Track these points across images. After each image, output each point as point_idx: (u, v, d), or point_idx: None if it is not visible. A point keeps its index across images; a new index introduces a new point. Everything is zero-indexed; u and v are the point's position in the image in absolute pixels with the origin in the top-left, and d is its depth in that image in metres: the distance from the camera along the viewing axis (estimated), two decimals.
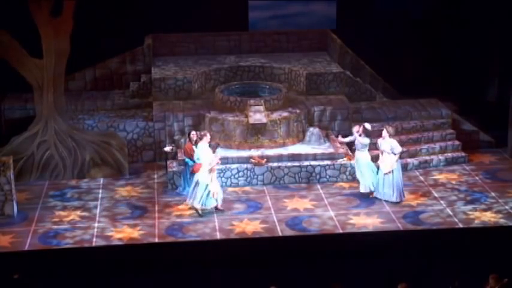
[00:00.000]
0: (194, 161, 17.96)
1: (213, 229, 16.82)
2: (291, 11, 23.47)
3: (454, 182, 19.13)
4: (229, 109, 20.18)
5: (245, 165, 18.70)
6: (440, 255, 15.71)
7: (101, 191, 18.76)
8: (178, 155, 19.15)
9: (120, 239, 16.44)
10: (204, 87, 21.80)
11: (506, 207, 17.72)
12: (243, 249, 16.21)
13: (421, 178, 19.34)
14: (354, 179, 18.83)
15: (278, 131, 19.60)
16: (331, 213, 17.47)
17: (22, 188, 18.53)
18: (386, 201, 17.85)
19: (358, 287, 14.74)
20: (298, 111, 20.20)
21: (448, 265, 15.30)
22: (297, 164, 18.99)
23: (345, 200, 18.13)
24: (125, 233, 16.69)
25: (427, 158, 20.10)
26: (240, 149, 19.39)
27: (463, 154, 20.35)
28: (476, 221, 17.09)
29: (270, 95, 20.71)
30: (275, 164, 18.96)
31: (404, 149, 20.04)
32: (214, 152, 17.38)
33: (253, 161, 18.65)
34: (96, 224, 17.09)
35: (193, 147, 18.14)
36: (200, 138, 17.70)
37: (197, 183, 17.27)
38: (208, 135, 17.71)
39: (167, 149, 19.36)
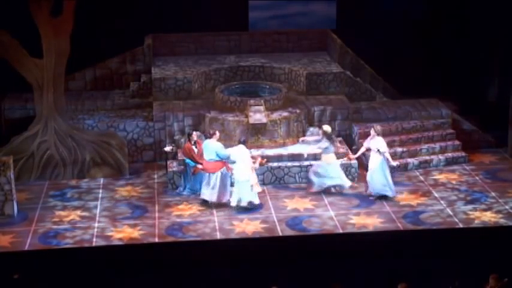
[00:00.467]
0: (195, 162, 18.03)
1: (213, 229, 16.82)
2: (291, 11, 23.47)
3: (454, 182, 19.13)
4: (229, 109, 20.18)
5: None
6: (440, 255, 15.71)
7: (101, 191, 18.76)
8: (178, 155, 19.15)
9: (120, 239, 16.44)
10: (204, 87, 21.81)
11: (506, 207, 17.72)
12: (243, 249, 16.21)
13: (421, 178, 19.34)
14: (354, 179, 18.85)
15: (278, 131, 19.60)
16: (331, 213, 17.48)
17: (22, 188, 18.52)
18: (382, 196, 17.94)
19: (358, 287, 14.75)
20: (298, 111, 20.20)
21: (448, 265, 15.30)
22: (297, 164, 19.00)
23: (345, 200, 18.13)
24: (125, 233, 16.69)
25: (427, 158, 20.11)
26: None
27: (463, 154, 20.35)
28: (476, 221, 17.09)
29: (270, 95, 20.71)
30: (275, 164, 18.97)
31: (405, 149, 20.11)
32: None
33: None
34: (96, 224, 17.09)
35: (193, 147, 18.16)
36: (210, 136, 17.84)
37: (236, 182, 17.43)
38: (217, 133, 17.93)
39: (167, 149, 19.37)
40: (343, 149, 19.33)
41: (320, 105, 20.64)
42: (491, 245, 15.99)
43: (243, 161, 17.51)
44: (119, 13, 22.04)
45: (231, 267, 15.44)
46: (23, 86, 19.65)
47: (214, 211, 17.59)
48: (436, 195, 18.36)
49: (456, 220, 17.13)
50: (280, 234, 16.63)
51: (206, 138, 18.11)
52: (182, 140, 19.45)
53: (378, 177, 17.90)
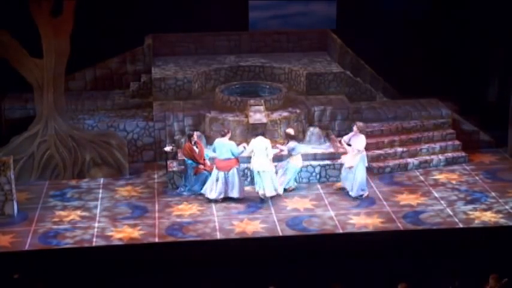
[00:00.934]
0: (197, 162, 18.06)
1: (213, 229, 16.82)
2: (291, 11, 23.46)
3: (454, 182, 19.13)
4: (229, 109, 20.18)
5: (245, 165, 18.68)
6: (440, 255, 15.72)
7: (101, 191, 18.76)
8: (178, 155, 19.16)
9: (120, 239, 16.44)
10: (204, 87, 21.81)
11: (506, 207, 17.72)
12: (243, 249, 16.21)
13: (421, 178, 19.34)
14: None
15: (278, 131, 19.60)
16: (331, 213, 17.48)
17: (22, 188, 18.52)
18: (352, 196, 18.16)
19: (358, 287, 14.76)
20: (298, 111, 20.20)
21: (448, 265, 15.30)
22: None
23: (345, 200, 18.13)
24: (125, 233, 16.69)
25: (427, 157, 20.10)
26: None
27: (463, 154, 20.35)
28: (476, 221, 17.09)
29: (270, 95, 20.71)
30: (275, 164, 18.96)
31: (405, 149, 20.10)
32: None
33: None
34: (96, 224, 17.09)
35: (194, 147, 18.17)
36: (223, 135, 18.00)
37: (257, 173, 17.81)
38: (230, 132, 18.19)
39: (167, 149, 19.37)
40: (343, 149, 19.30)
41: (320, 105, 20.64)
42: (491, 245, 15.99)
43: (263, 152, 17.79)
44: (119, 13, 22.04)
45: (231, 267, 15.44)
46: (23, 86, 19.65)
47: (214, 211, 17.60)
48: (436, 195, 18.36)
49: (456, 220, 17.13)
50: (280, 234, 16.63)
51: (221, 136, 18.17)
52: (182, 140, 19.45)
53: (360, 174, 17.98)
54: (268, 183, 17.80)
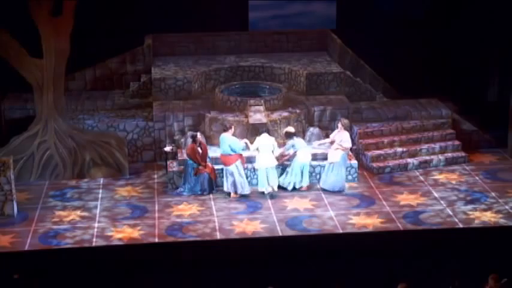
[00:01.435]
0: (198, 163, 18.07)
1: (213, 229, 16.82)
2: (291, 11, 23.44)
3: (454, 182, 19.13)
4: (229, 109, 20.18)
5: (245, 165, 18.67)
6: (440, 255, 15.71)
7: (101, 191, 18.76)
8: (178, 155, 19.15)
9: (120, 239, 16.44)
10: (204, 87, 21.80)
11: (506, 207, 17.72)
12: (243, 249, 16.21)
13: (421, 178, 19.34)
14: (354, 179, 18.85)
15: (278, 131, 19.59)
16: (331, 213, 17.48)
17: (22, 188, 18.52)
18: (324, 189, 18.30)
19: (358, 287, 14.75)
20: (298, 111, 20.20)
21: (448, 265, 15.30)
22: None
23: (345, 200, 18.13)
24: (125, 233, 16.69)
25: (427, 158, 20.10)
26: None
27: (463, 154, 20.35)
28: (476, 221, 17.09)
29: (270, 95, 20.71)
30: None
31: (405, 149, 20.10)
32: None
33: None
34: (96, 224, 17.09)
35: (198, 148, 18.20)
36: (226, 130, 18.23)
37: (261, 170, 18.04)
38: (233, 127, 18.44)
39: (167, 149, 19.36)
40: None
41: (320, 105, 20.64)
42: (491, 245, 15.99)
43: (269, 149, 18.05)
44: (119, 13, 22.03)
45: (231, 267, 15.44)
46: (23, 86, 19.65)
47: (214, 211, 17.60)
48: (436, 195, 18.36)
49: (456, 220, 17.13)
50: (280, 234, 16.63)
51: (223, 131, 18.40)
52: (182, 140, 19.46)
53: (337, 172, 18.08)
54: (275, 179, 18.10)
